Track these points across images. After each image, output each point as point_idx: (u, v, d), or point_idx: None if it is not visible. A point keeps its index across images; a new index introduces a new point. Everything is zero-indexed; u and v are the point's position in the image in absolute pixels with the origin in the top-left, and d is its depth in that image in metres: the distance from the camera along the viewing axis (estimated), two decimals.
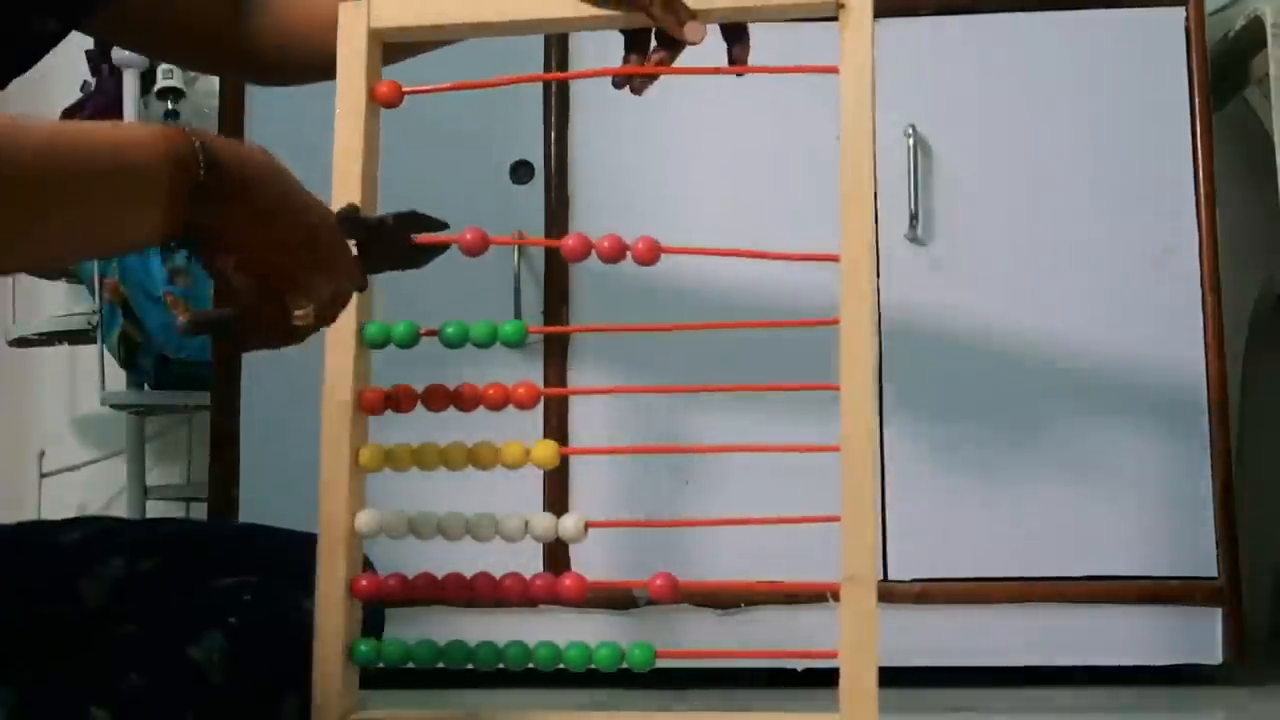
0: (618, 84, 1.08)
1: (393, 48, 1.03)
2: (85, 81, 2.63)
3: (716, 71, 0.98)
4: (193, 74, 2.55)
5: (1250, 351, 2.47)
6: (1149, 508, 2.01)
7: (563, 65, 2.10)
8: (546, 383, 2.05)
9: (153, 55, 1.27)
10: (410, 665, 0.96)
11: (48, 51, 1.09)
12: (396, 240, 0.96)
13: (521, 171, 2.13)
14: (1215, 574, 1.99)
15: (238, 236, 0.85)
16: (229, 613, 0.97)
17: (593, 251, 0.99)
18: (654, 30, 1.05)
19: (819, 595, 0.88)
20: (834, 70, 0.96)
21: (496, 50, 1.43)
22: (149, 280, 2.47)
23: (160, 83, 2.52)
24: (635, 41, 1.09)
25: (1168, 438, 2.02)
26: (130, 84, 2.52)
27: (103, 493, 2.86)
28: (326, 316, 0.91)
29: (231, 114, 2.15)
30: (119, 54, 2.48)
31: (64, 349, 2.78)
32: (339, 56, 0.99)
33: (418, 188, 2.09)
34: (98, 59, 2.56)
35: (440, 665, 0.96)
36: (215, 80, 2.35)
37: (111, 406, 2.58)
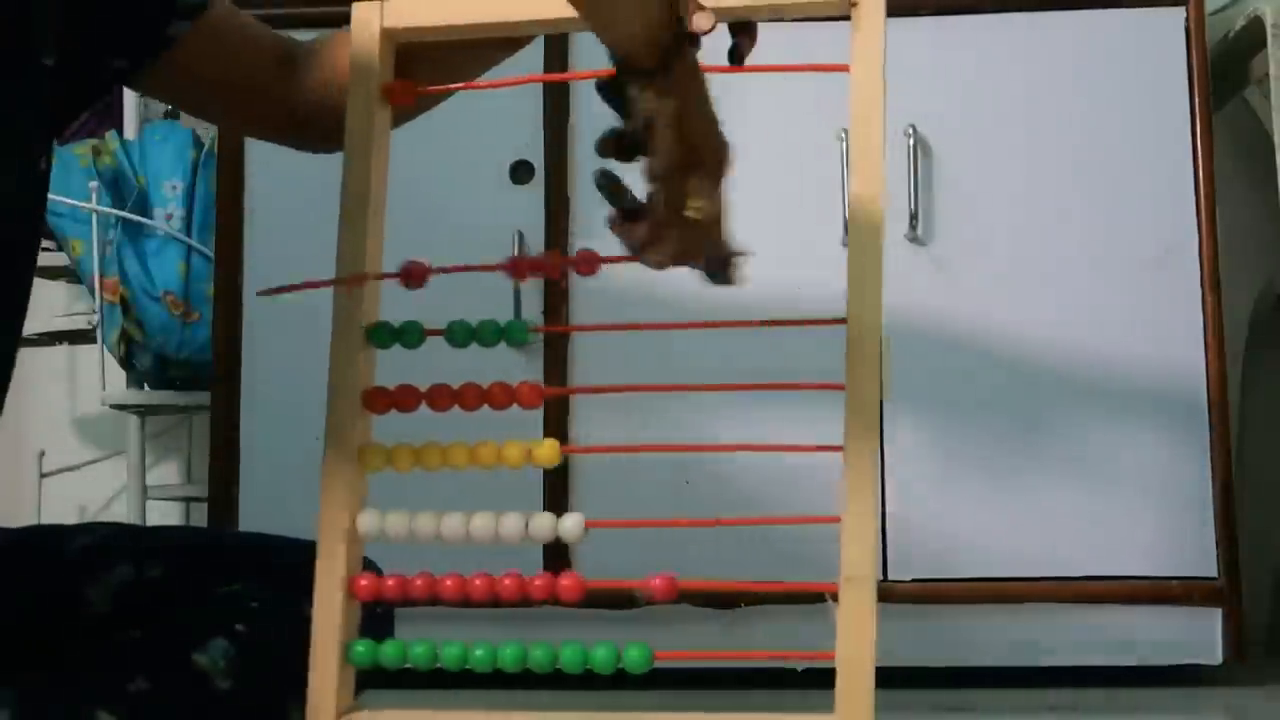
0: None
1: (400, 112, 1.03)
2: None
3: (726, 70, 0.97)
4: None
5: (1250, 351, 2.47)
6: (1149, 508, 2.01)
7: (563, 65, 2.10)
8: (547, 382, 2.05)
9: (205, 115, 1.27)
10: (408, 666, 0.96)
11: (112, 89, 1.11)
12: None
13: (521, 171, 2.14)
14: (1215, 574, 1.99)
15: (681, 90, 0.94)
16: (236, 620, 0.97)
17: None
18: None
19: (818, 596, 0.87)
20: (845, 69, 0.95)
21: None
22: (149, 280, 2.47)
23: None
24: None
25: (1168, 438, 2.02)
26: None
27: (103, 493, 2.86)
28: (711, 231, 1.00)
29: None
30: None
31: (64, 349, 2.78)
32: (350, 56, 0.99)
33: (418, 187, 2.11)
34: None
35: (438, 666, 0.96)
36: None
37: (111, 406, 2.58)
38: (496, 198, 2.13)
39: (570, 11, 0.88)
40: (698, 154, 0.97)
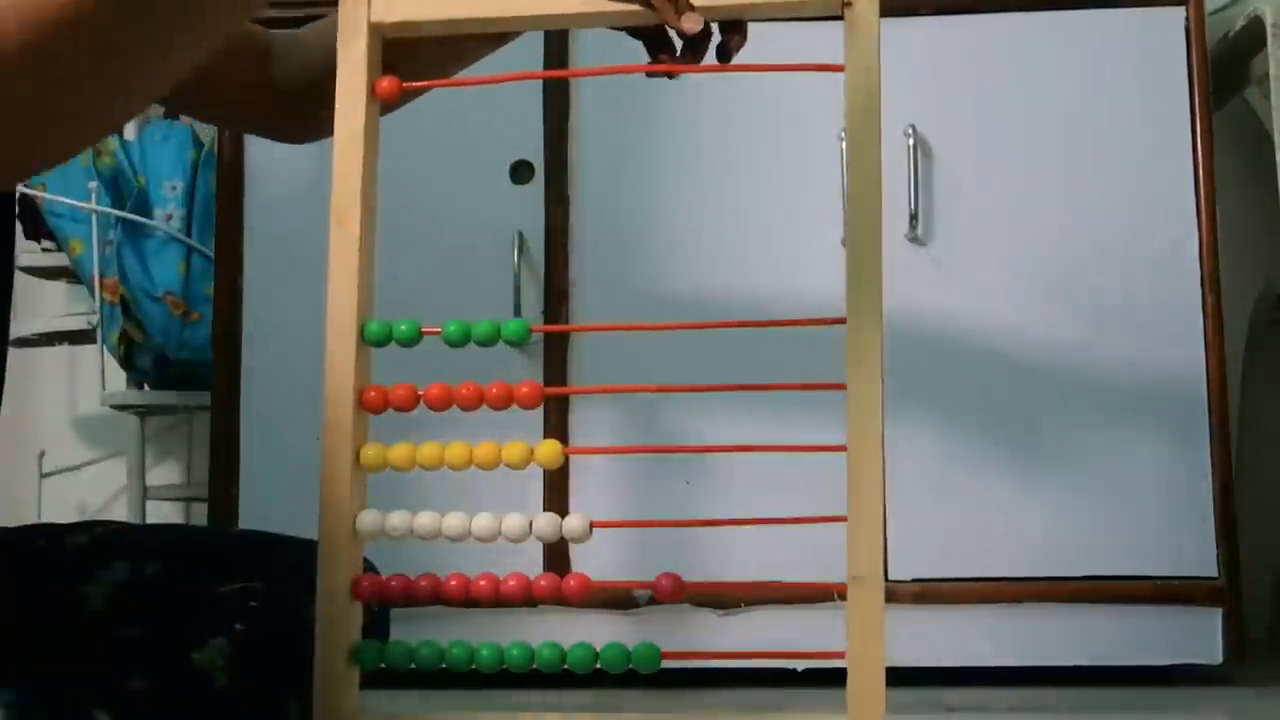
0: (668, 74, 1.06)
1: (387, 106, 1.03)
2: None
3: (721, 70, 0.97)
4: None
5: (1250, 351, 2.47)
6: (1149, 508, 2.01)
7: (563, 64, 2.10)
8: (547, 382, 2.05)
9: (191, 111, 1.27)
10: (413, 667, 0.96)
11: None
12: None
13: (521, 171, 2.13)
14: (1215, 574, 1.99)
15: None
16: (234, 618, 0.97)
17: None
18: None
19: (823, 595, 0.88)
20: (840, 69, 0.95)
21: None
22: (149, 280, 2.47)
23: None
24: (659, 42, 1.07)
25: (1168, 438, 2.02)
26: None
27: (103, 493, 2.86)
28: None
29: None
30: None
31: (64, 349, 2.78)
32: (339, 51, 0.99)
33: (418, 187, 2.11)
34: None
35: (444, 666, 0.96)
36: None
37: (111, 406, 2.58)
38: (496, 198, 2.13)
39: (567, 7, 0.87)
40: None
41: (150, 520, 2.59)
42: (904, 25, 2.07)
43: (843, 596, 0.87)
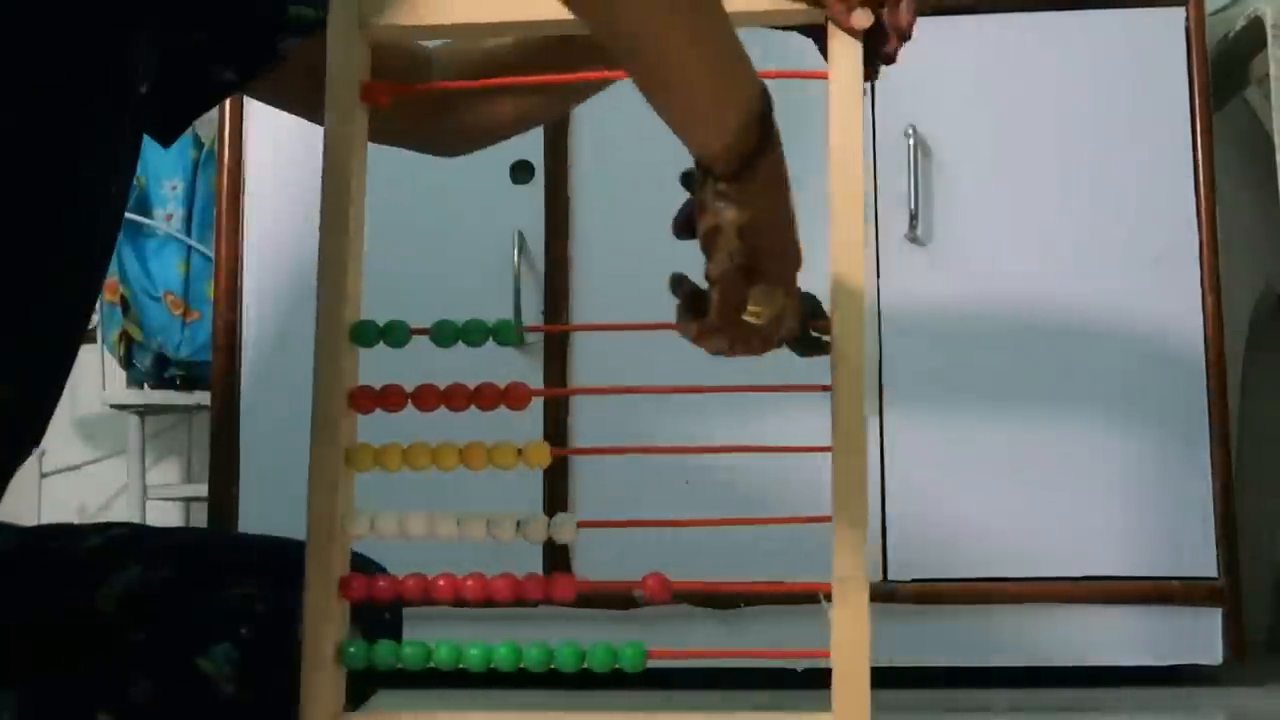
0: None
1: (468, 144, 1.04)
2: None
3: None
4: None
5: (1250, 351, 2.47)
6: (1149, 508, 2.01)
7: None
8: (547, 382, 2.05)
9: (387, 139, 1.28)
10: (401, 667, 0.96)
11: (220, 101, 1.12)
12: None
13: (521, 171, 2.14)
14: (1215, 574, 1.99)
15: (753, 201, 0.91)
16: (241, 623, 0.96)
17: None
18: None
19: (815, 596, 0.88)
20: (824, 76, 0.96)
21: None
22: (149, 280, 2.47)
23: None
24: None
25: (1168, 438, 2.02)
26: None
27: (103, 492, 2.86)
28: (768, 337, 0.95)
29: (233, 111, 2.16)
30: None
31: None
32: (329, 56, 0.99)
33: (419, 187, 2.11)
34: None
35: (431, 666, 0.96)
36: None
37: (111, 406, 2.59)
38: (496, 198, 2.13)
39: (561, 13, 0.87)
40: (761, 263, 0.92)
41: (150, 520, 2.59)
42: None
43: (829, 598, 0.88)
